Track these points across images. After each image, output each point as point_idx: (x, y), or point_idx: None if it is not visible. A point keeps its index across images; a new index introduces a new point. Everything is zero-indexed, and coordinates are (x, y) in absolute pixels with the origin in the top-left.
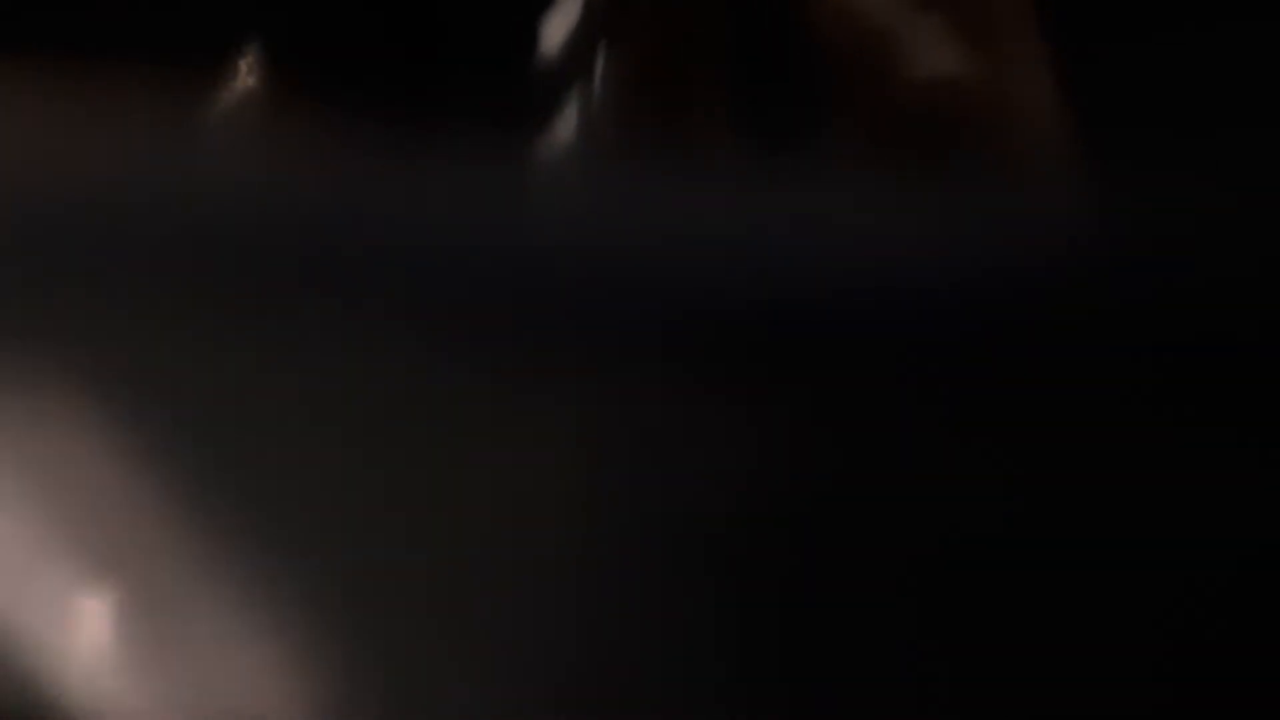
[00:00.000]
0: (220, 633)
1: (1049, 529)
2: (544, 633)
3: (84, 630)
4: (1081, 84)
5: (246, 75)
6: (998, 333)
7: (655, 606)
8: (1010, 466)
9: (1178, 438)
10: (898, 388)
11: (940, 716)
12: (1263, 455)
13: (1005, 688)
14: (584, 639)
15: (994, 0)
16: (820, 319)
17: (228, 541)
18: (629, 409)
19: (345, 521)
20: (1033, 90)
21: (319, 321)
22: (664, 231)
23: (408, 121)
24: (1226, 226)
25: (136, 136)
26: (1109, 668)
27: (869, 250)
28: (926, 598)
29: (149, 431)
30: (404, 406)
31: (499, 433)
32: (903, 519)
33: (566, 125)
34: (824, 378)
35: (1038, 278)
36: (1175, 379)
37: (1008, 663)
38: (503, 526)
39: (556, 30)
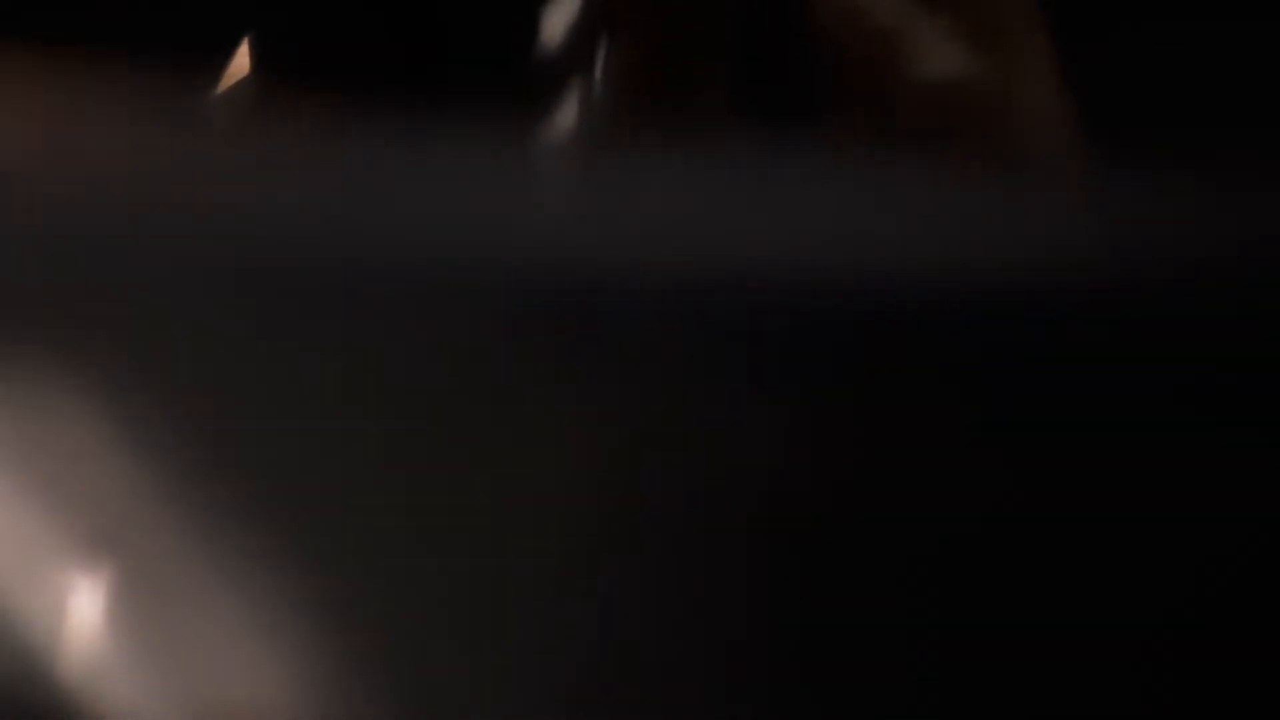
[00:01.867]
0: (218, 616)
1: (1054, 528)
2: (554, 632)
3: (80, 611)
4: (1085, 81)
5: (247, 71)
6: (1004, 330)
7: (668, 607)
8: (1018, 461)
9: (1183, 437)
10: (908, 382)
11: (941, 717)
12: (1263, 454)
13: (1006, 687)
14: (595, 638)
15: None
16: (832, 314)
17: (227, 523)
18: (640, 406)
19: (347, 502)
20: (1037, 88)
21: (321, 308)
22: (671, 226)
23: (408, 116)
24: (1229, 223)
25: (138, 131)
26: (1109, 668)
27: (879, 245)
28: (933, 598)
29: (148, 413)
30: (409, 394)
31: (510, 428)
32: (916, 518)
33: (567, 118)
34: (838, 372)
35: (1043, 275)
36: (1177, 377)
37: (1008, 663)
38: (514, 521)
39: (557, 23)
